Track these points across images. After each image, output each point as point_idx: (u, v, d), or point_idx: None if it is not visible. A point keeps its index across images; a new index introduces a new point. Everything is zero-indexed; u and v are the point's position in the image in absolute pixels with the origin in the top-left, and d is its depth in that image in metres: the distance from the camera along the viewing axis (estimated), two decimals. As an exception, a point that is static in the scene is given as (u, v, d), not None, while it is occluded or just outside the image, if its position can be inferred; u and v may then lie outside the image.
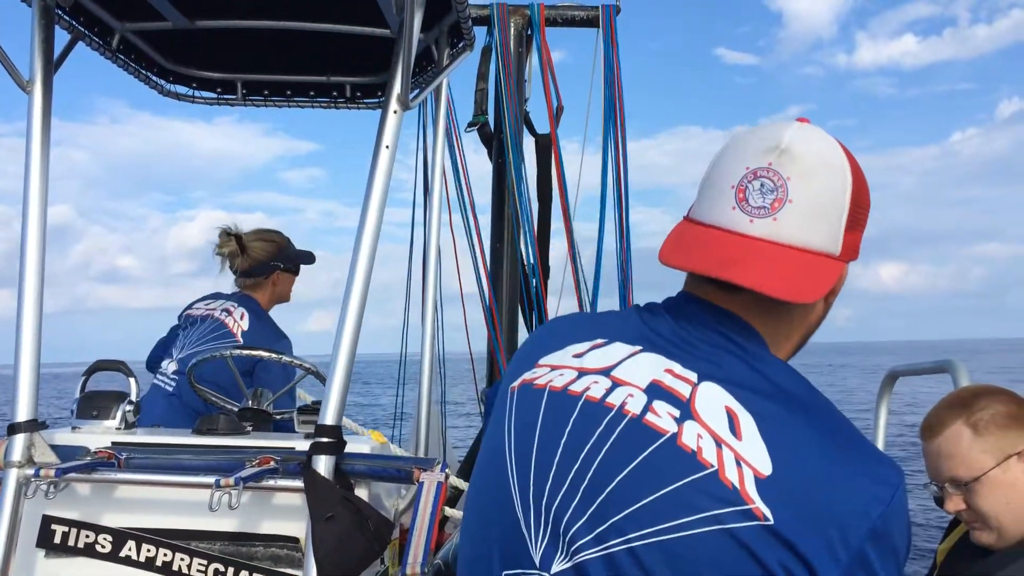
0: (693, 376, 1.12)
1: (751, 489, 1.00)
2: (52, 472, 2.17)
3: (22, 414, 2.27)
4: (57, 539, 2.31)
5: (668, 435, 1.06)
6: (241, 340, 3.32)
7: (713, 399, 1.09)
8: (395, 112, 2.33)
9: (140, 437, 2.50)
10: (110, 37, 3.05)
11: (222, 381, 3.16)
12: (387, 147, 2.32)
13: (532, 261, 3.96)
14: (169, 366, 3.39)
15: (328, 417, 2.13)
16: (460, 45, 2.96)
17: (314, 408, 2.46)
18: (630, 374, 1.15)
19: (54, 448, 2.33)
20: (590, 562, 1.04)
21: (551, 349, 1.27)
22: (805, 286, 1.12)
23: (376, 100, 3.54)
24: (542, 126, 4.09)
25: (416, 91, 2.59)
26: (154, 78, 3.40)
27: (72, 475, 2.22)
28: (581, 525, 1.06)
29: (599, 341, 1.23)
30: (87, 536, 2.31)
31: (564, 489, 1.08)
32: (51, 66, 2.49)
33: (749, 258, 1.12)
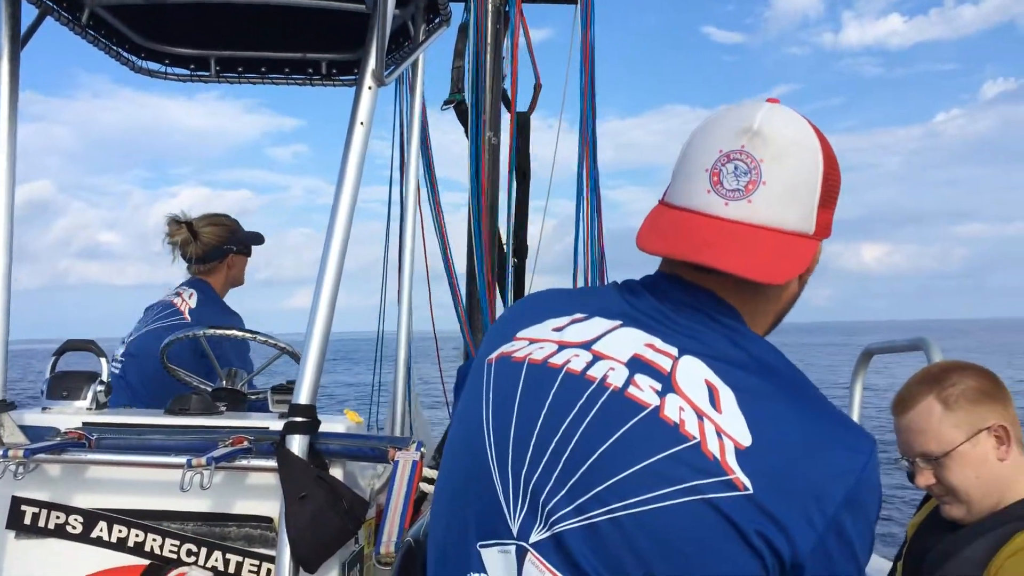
0: (674, 350, 1.14)
1: (731, 460, 1.03)
2: (21, 453, 2.14)
3: None
4: (27, 520, 2.29)
5: (651, 408, 1.08)
6: (189, 318, 3.36)
7: (694, 373, 1.11)
8: (370, 88, 2.30)
9: (111, 417, 2.47)
10: (79, 12, 2.98)
11: (192, 361, 3.15)
12: (362, 123, 2.29)
13: (508, 240, 3.95)
14: (119, 350, 3.42)
15: (302, 396, 2.11)
16: (436, 21, 2.92)
17: (288, 388, 2.44)
18: (611, 348, 1.16)
19: (24, 429, 2.31)
20: (569, 532, 1.05)
21: (530, 323, 1.27)
22: (780, 267, 1.14)
23: (352, 77, 3.49)
24: (522, 104, 4.06)
25: (392, 67, 2.56)
26: (126, 54, 3.34)
27: (41, 456, 2.19)
28: (561, 496, 1.07)
29: (578, 315, 1.24)
30: (58, 517, 2.29)
31: (544, 460, 1.09)
32: (18, 42, 2.45)
33: (725, 240, 1.14)
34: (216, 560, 2.26)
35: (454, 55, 3.92)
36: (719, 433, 1.05)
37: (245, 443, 2.19)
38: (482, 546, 1.11)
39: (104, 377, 2.57)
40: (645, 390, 1.10)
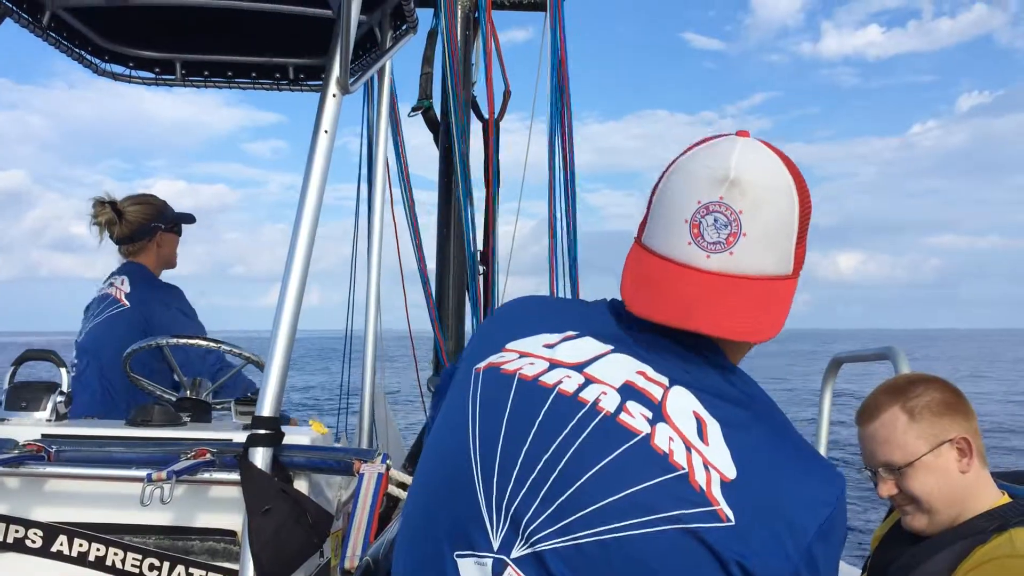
0: (665, 380, 1.16)
1: (717, 492, 1.06)
2: None
3: None
4: None
5: (642, 435, 1.09)
6: (126, 302, 3.33)
7: (683, 403, 1.14)
8: (334, 96, 2.27)
9: (71, 429, 2.42)
10: (40, 14, 2.93)
11: (158, 369, 3.11)
12: (326, 132, 2.26)
13: (476, 247, 3.93)
14: (72, 353, 3.38)
15: (266, 408, 2.08)
16: (403, 28, 2.90)
17: (252, 399, 2.41)
18: (603, 373, 1.17)
19: None
20: (551, 551, 1.05)
21: (519, 334, 1.27)
22: (765, 323, 1.18)
23: (320, 82, 3.47)
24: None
25: (357, 74, 2.54)
26: (89, 57, 3.29)
27: None
28: (546, 516, 1.07)
29: (570, 333, 1.24)
30: (16, 531, 2.24)
31: (532, 478, 1.09)
32: None
33: (711, 298, 1.16)
34: (179, 574, 2.22)
35: (423, 61, 3.90)
36: (706, 465, 1.07)
37: (208, 455, 2.16)
38: (458, 556, 1.11)
39: (64, 387, 2.53)
40: (637, 417, 1.11)
